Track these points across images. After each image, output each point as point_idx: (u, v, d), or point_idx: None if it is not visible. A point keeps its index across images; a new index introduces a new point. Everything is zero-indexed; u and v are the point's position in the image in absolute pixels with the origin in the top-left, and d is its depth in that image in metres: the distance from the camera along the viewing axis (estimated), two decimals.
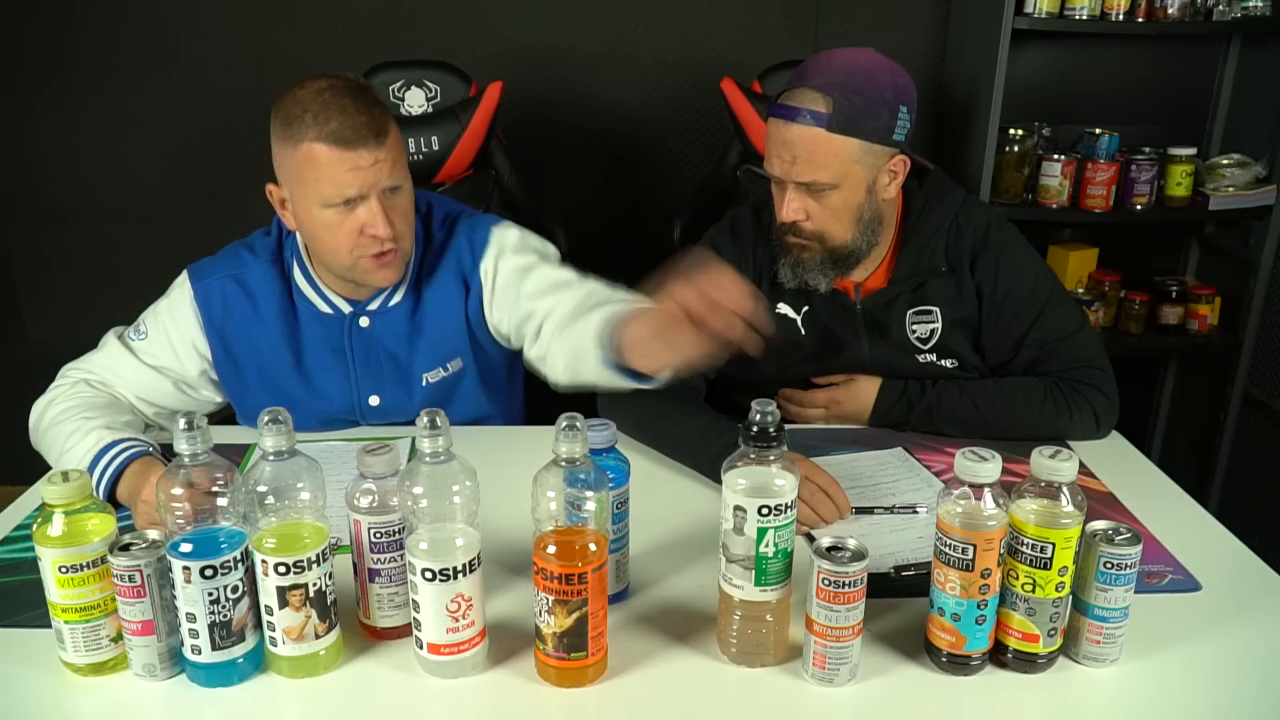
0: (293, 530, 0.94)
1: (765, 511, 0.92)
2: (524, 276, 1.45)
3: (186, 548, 0.90)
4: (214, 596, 0.91)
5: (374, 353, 1.48)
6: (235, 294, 1.45)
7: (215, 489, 0.92)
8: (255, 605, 0.95)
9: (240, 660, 0.94)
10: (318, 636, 0.95)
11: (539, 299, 1.42)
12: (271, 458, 0.93)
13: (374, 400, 1.49)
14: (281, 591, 0.92)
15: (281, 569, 0.91)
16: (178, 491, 0.90)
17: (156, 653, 0.94)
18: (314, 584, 0.93)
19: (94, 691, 0.95)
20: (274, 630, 0.94)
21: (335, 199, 1.31)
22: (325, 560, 0.94)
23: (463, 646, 0.94)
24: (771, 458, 0.94)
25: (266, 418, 0.92)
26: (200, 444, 0.91)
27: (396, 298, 1.47)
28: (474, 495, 0.94)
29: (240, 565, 0.92)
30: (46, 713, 0.93)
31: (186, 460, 0.91)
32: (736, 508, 0.94)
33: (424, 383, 1.48)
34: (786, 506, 0.93)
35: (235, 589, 0.92)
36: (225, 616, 0.92)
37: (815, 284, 1.49)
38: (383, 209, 1.32)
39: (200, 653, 0.93)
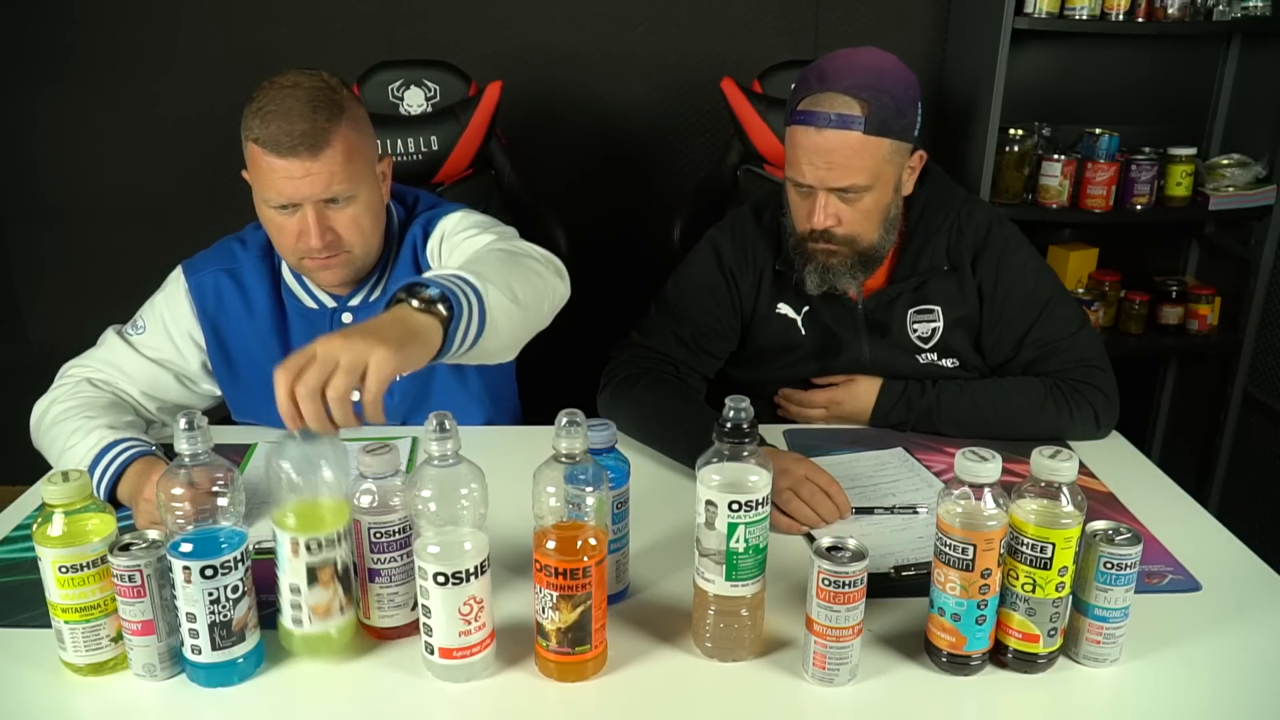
0: (313, 508, 0.95)
1: (735, 507, 0.93)
2: (453, 253, 1.42)
3: (186, 548, 0.90)
4: (214, 596, 0.91)
5: None
6: (228, 287, 1.46)
7: (216, 489, 0.92)
8: (255, 605, 0.95)
9: (240, 660, 0.94)
10: (342, 612, 0.96)
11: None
12: (300, 437, 0.93)
13: (354, 395, 1.48)
14: (311, 570, 0.93)
15: (313, 546, 0.92)
16: (178, 491, 0.90)
17: (156, 653, 0.94)
18: (340, 560, 0.95)
19: (94, 691, 0.95)
20: (300, 610, 0.94)
21: (272, 202, 1.33)
22: (349, 537, 0.96)
23: (474, 649, 0.94)
24: (745, 454, 0.94)
25: None
26: (201, 443, 0.91)
27: (377, 292, 1.48)
28: (482, 498, 0.94)
29: (240, 565, 0.92)
30: (46, 713, 0.93)
31: (187, 460, 0.91)
32: (708, 502, 0.94)
33: (396, 377, 1.48)
34: (759, 503, 0.94)
35: (235, 589, 0.92)
36: (225, 616, 0.92)
37: (845, 288, 1.49)
38: (318, 219, 1.32)
39: (200, 653, 0.93)
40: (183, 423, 0.90)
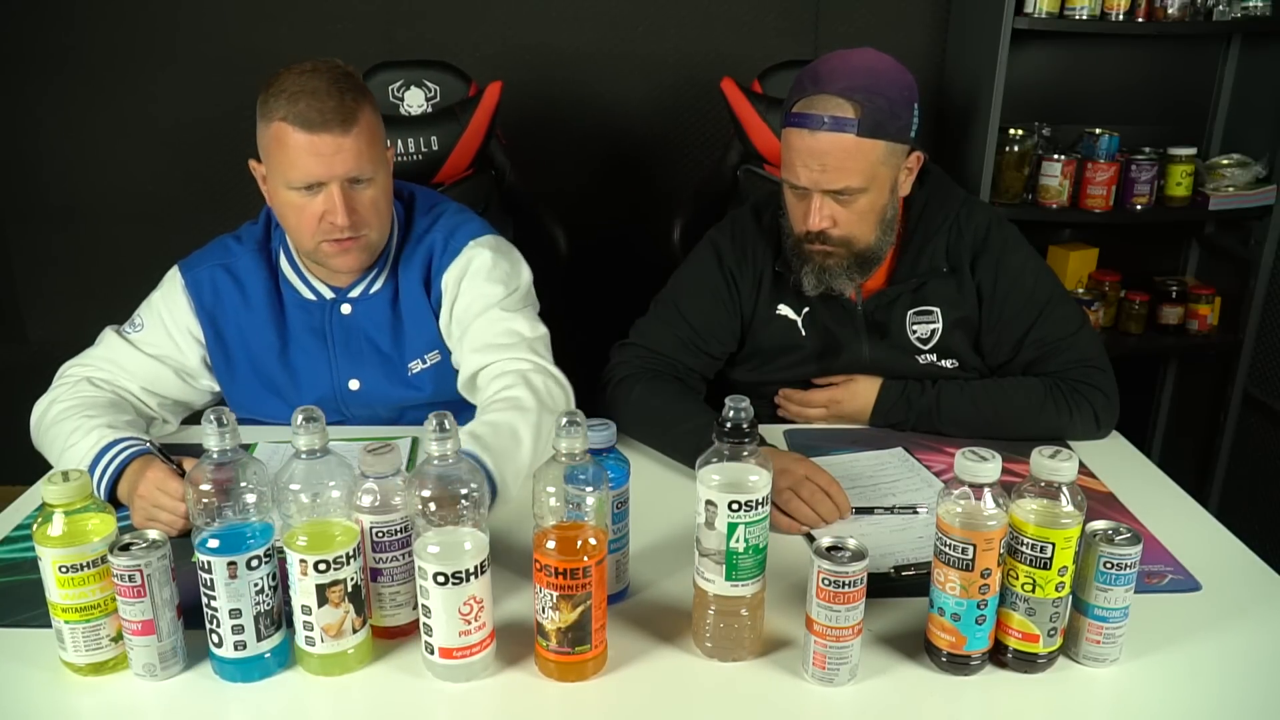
0: (323, 528, 0.95)
1: (735, 507, 0.93)
2: (476, 319, 1.43)
3: (214, 543, 0.91)
4: (259, 587, 0.93)
5: (354, 338, 1.48)
6: (224, 282, 1.47)
7: (245, 484, 0.93)
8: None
9: (268, 655, 0.95)
10: (354, 631, 0.96)
11: (476, 354, 1.41)
12: (305, 456, 0.94)
13: (354, 384, 1.50)
14: (321, 589, 0.93)
15: (321, 566, 0.92)
16: (206, 487, 0.92)
17: (157, 652, 0.94)
18: (351, 579, 0.94)
19: (94, 691, 0.95)
20: (311, 630, 0.94)
21: (298, 182, 1.32)
22: (358, 556, 0.95)
23: (474, 649, 0.94)
24: (745, 454, 0.94)
25: (301, 417, 0.93)
26: (230, 440, 0.92)
27: (377, 285, 1.48)
28: (482, 498, 0.94)
29: (275, 555, 0.94)
30: (46, 713, 0.93)
31: (215, 456, 0.92)
32: (708, 502, 0.94)
33: (409, 372, 1.49)
34: (758, 503, 0.94)
35: (274, 577, 0.94)
36: (268, 605, 0.94)
37: (842, 289, 1.48)
38: (344, 198, 1.33)
39: (245, 647, 0.93)
40: (213, 420, 0.91)
